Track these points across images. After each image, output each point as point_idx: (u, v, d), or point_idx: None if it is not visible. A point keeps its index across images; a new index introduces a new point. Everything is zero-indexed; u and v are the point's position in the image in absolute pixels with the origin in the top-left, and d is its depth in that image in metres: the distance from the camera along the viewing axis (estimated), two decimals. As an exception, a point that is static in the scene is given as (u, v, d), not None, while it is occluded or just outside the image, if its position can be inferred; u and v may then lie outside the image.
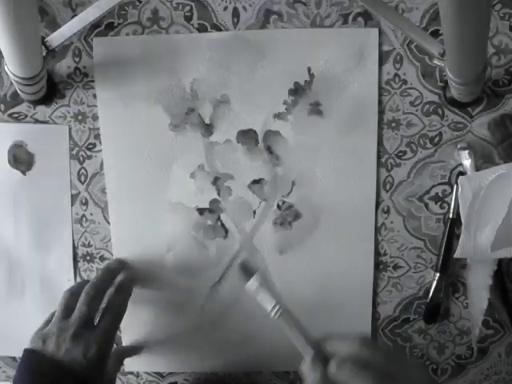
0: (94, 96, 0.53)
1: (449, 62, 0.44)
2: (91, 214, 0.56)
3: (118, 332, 0.57)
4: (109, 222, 0.55)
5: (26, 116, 0.54)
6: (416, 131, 0.52)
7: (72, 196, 0.55)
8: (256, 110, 0.52)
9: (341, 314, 0.54)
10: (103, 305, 0.49)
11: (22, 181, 0.55)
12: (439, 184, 0.52)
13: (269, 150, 0.53)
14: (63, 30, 0.48)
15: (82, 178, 0.55)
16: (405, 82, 0.51)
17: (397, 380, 0.34)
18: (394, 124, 0.52)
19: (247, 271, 0.39)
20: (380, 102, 0.51)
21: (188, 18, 0.52)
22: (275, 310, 0.36)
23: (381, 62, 0.51)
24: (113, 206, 0.55)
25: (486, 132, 0.51)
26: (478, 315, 0.53)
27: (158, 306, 0.56)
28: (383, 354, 0.37)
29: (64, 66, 0.53)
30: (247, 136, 0.53)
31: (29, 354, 0.46)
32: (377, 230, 0.53)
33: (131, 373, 0.59)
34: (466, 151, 0.50)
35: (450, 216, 0.52)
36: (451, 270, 0.53)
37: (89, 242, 0.56)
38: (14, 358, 0.59)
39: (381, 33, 0.50)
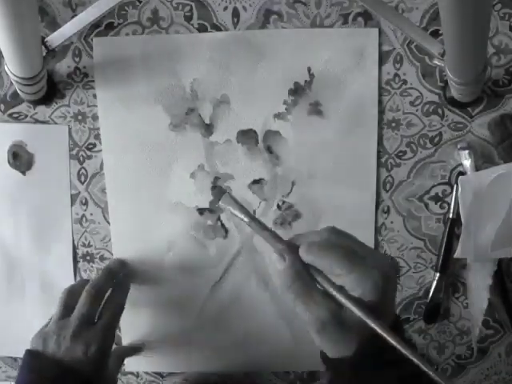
0: (94, 96, 0.53)
1: (449, 61, 0.44)
2: (91, 214, 0.56)
3: (118, 332, 0.57)
4: (109, 222, 0.55)
5: (26, 116, 0.54)
6: (416, 131, 0.52)
7: (72, 196, 0.55)
8: (256, 110, 0.52)
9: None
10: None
11: (21, 181, 0.55)
12: (439, 184, 0.52)
13: (269, 149, 0.53)
14: (63, 30, 0.48)
15: (82, 178, 0.55)
16: (405, 81, 0.51)
17: (364, 259, 0.34)
18: (394, 124, 0.52)
19: (220, 192, 0.44)
20: (380, 101, 0.51)
21: (188, 18, 0.52)
22: (247, 218, 0.38)
23: (381, 62, 0.51)
24: (113, 205, 0.55)
25: (486, 132, 0.51)
26: (477, 315, 0.53)
27: (158, 306, 0.56)
28: (351, 238, 0.38)
29: (64, 65, 0.53)
30: (247, 136, 0.53)
31: (29, 354, 0.46)
32: (377, 230, 0.53)
33: (131, 373, 0.59)
34: (466, 151, 0.50)
35: (450, 216, 0.52)
36: (451, 269, 0.53)
37: (89, 242, 0.56)
38: (14, 358, 0.59)
39: (381, 33, 0.50)
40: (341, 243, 0.36)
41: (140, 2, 0.52)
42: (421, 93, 0.51)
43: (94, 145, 0.54)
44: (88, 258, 0.56)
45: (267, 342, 0.56)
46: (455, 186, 0.51)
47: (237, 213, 0.39)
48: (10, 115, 0.54)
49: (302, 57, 0.51)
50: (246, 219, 0.38)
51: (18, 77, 0.47)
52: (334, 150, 0.52)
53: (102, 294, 0.49)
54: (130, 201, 0.54)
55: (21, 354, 0.59)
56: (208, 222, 0.54)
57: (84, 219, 0.56)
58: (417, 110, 0.51)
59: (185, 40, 0.52)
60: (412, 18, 0.50)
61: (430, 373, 0.31)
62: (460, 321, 0.55)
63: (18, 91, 0.51)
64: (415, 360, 0.32)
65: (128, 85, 0.53)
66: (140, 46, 0.52)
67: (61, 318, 0.47)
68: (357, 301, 0.33)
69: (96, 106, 0.53)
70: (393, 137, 0.52)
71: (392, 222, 0.53)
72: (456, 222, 0.52)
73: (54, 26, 0.51)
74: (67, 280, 0.56)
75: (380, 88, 0.51)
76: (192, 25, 0.52)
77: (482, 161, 0.51)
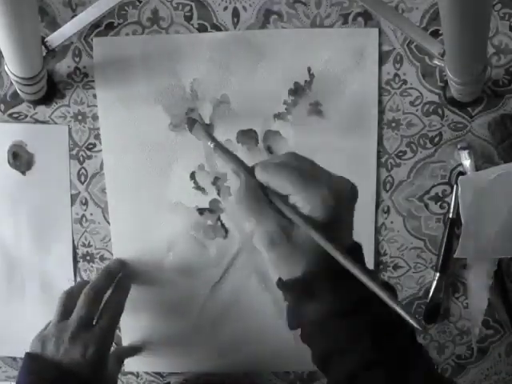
0: (94, 96, 0.53)
1: (449, 62, 0.44)
2: (91, 214, 0.56)
3: (118, 332, 0.57)
4: (109, 222, 0.55)
5: (26, 116, 0.54)
6: (416, 131, 0.52)
7: (72, 196, 0.55)
8: (256, 110, 0.52)
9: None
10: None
11: (21, 181, 0.55)
12: (439, 184, 0.52)
13: (269, 150, 0.53)
14: (63, 30, 0.48)
15: (82, 178, 0.55)
16: (405, 82, 0.51)
17: (317, 180, 0.35)
18: (394, 124, 0.52)
19: (191, 122, 0.44)
20: (380, 101, 0.51)
21: (188, 18, 0.52)
22: (212, 144, 0.41)
23: (381, 62, 0.51)
24: (113, 205, 0.55)
25: (486, 132, 0.51)
26: (477, 315, 0.53)
27: (158, 306, 0.56)
28: (310, 162, 0.38)
29: (64, 65, 0.53)
30: (247, 136, 0.53)
31: (28, 357, 0.46)
32: (377, 230, 0.53)
33: (131, 373, 0.59)
34: (466, 151, 0.50)
35: (450, 216, 0.52)
36: (451, 269, 0.53)
37: (89, 242, 0.56)
38: (14, 358, 0.59)
39: (381, 33, 0.50)
40: (297, 165, 0.36)
41: (140, 2, 0.52)
42: (421, 93, 0.51)
43: (94, 145, 0.54)
44: (88, 257, 0.56)
45: (267, 342, 0.56)
46: (455, 186, 0.51)
47: (204, 140, 0.41)
48: (10, 115, 0.54)
49: (301, 57, 0.51)
50: (211, 145, 0.40)
51: (18, 77, 0.47)
52: (334, 150, 0.52)
53: (100, 296, 0.49)
54: (130, 201, 0.54)
55: (21, 354, 0.59)
56: (208, 222, 0.54)
57: (84, 219, 0.56)
58: (417, 110, 0.51)
59: (185, 40, 0.52)
60: (412, 18, 0.50)
61: (386, 299, 0.31)
62: (460, 321, 0.55)
63: (18, 91, 0.51)
64: (370, 284, 0.32)
65: (128, 85, 0.53)
66: (140, 46, 0.52)
67: (59, 321, 0.47)
68: (308, 219, 0.33)
69: (96, 106, 0.53)
70: (393, 137, 0.52)
71: (392, 222, 0.53)
72: (456, 222, 0.52)
73: (54, 25, 0.51)
74: (67, 280, 0.56)
75: (380, 88, 0.51)
76: (192, 25, 0.52)
77: (482, 161, 0.51)
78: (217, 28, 0.52)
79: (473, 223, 0.49)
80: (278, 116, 0.52)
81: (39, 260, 0.56)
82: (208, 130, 0.42)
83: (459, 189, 0.50)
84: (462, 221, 0.50)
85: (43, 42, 0.48)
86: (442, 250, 0.52)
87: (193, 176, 0.54)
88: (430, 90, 0.51)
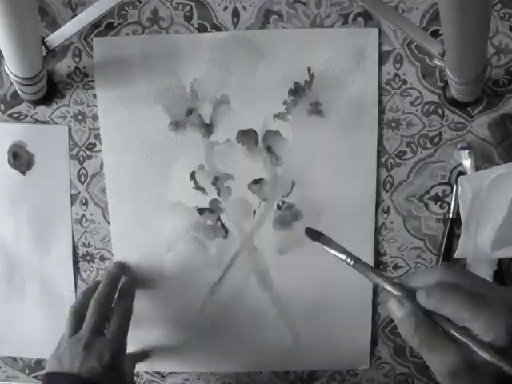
0: (94, 96, 0.53)
1: (449, 62, 0.44)
2: (91, 214, 0.56)
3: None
4: (109, 222, 0.55)
5: (26, 116, 0.54)
6: (416, 131, 0.52)
7: (72, 196, 0.55)
8: (256, 110, 0.52)
9: (341, 313, 0.54)
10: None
11: (21, 181, 0.55)
12: (439, 184, 0.52)
13: (269, 150, 0.53)
14: (63, 30, 0.48)
15: (82, 178, 0.55)
16: (405, 82, 0.51)
17: (487, 298, 0.32)
18: (394, 124, 0.52)
19: (313, 235, 0.43)
20: (380, 101, 0.51)
21: (188, 18, 0.52)
22: (348, 259, 0.38)
23: (381, 62, 0.51)
24: (113, 205, 0.55)
25: (486, 132, 0.51)
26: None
27: (157, 306, 0.56)
28: (470, 276, 0.34)
29: (64, 65, 0.53)
30: (247, 136, 0.53)
31: (47, 376, 0.46)
32: (377, 230, 0.53)
33: (131, 373, 0.59)
34: (466, 151, 0.50)
35: (450, 216, 0.52)
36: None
37: (89, 242, 0.56)
38: (14, 358, 0.59)
39: (381, 33, 0.50)
40: (460, 283, 0.33)
41: (140, 2, 0.52)
42: (421, 93, 0.51)
43: (94, 145, 0.54)
44: (88, 258, 0.56)
45: (267, 342, 0.56)
46: (455, 186, 0.51)
47: (338, 254, 0.39)
48: (10, 115, 0.54)
49: (301, 57, 0.51)
50: (350, 261, 0.38)
51: (18, 77, 0.47)
52: (334, 149, 0.52)
53: (108, 303, 0.49)
54: (130, 201, 0.54)
55: (21, 353, 0.59)
56: (208, 221, 0.54)
57: (84, 219, 0.56)
58: (417, 110, 0.51)
59: (185, 40, 0.52)
60: (412, 18, 0.50)
61: None
62: (460, 321, 0.55)
63: (18, 91, 0.51)
64: None
65: (128, 85, 0.53)
66: (140, 46, 0.52)
67: (71, 335, 0.47)
68: (487, 345, 0.30)
69: (96, 106, 0.53)
70: (393, 137, 0.52)
71: (392, 222, 0.53)
72: (456, 222, 0.52)
73: (54, 25, 0.51)
74: (67, 280, 0.56)
75: (380, 88, 0.51)
76: (192, 25, 0.52)
77: (482, 161, 0.51)
78: (217, 28, 0.52)
79: (473, 223, 0.49)
80: (277, 116, 0.52)
81: (39, 260, 0.56)
82: (341, 247, 0.40)
83: (459, 189, 0.50)
84: (462, 221, 0.50)
85: (43, 42, 0.48)
86: (442, 250, 0.52)
87: (193, 176, 0.54)
88: (430, 90, 0.51)
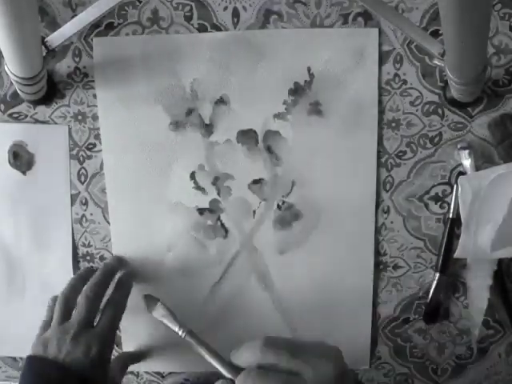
0: (94, 96, 0.53)
1: (449, 62, 0.44)
2: (91, 214, 0.56)
3: (118, 332, 0.57)
4: (109, 222, 0.55)
5: (26, 116, 0.54)
6: (416, 131, 0.52)
7: (72, 196, 0.55)
8: (256, 110, 0.52)
9: (341, 313, 0.54)
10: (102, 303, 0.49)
11: (21, 181, 0.55)
12: (439, 184, 0.52)
13: (269, 150, 0.53)
14: (63, 30, 0.48)
15: (82, 178, 0.55)
16: (405, 82, 0.51)
17: (304, 376, 0.34)
18: (394, 124, 0.52)
19: (151, 300, 0.47)
20: (380, 101, 0.51)
21: (188, 18, 0.52)
22: (181, 331, 0.43)
23: (381, 62, 0.51)
24: (113, 205, 0.55)
25: (486, 132, 0.51)
26: (478, 315, 0.53)
27: (158, 306, 0.56)
28: (286, 352, 0.36)
29: (64, 65, 0.53)
30: (247, 136, 0.53)
31: (31, 360, 0.46)
32: (377, 230, 0.53)
33: (131, 373, 0.59)
34: (466, 151, 0.50)
35: (450, 216, 0.52)
36: (451, 269, 0.53)
37: (89, 242, 0.56)
38: (14, 358, 0.59)
39: (381, 33, 0.50)
40: (277, 362, 0.35)
41: (140, 2, 0.52)
42: (421, 93, 0.51)
43: (94, 145, 0.54)
44: (88, 258, 0.56)
45: (267, 341, 0.56)
46: (455, 186, 0.51)
47: (170, 324, 0.42)
48: (10, 115, 0.55)
49: (301, 57, 0.51)
50: (180, 332, 0.41)
51: (18, 77, 0.47)
52: (334, 149, 0.52)
53: (100, 295, 0.49)
54: (130, 201, 0.54)
55: (21, 353, 0.59)
56: (208, 221, 0.54)
57: (84, 219, 0.56)
58: (417, 110, 0.51)
59: (185, 40, 0.52)
60: (412, 18, 0.50)
61: None
62: (460, 321, 0.55)
63: (18, 91, 0.51)
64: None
65: (128, 85, 0.53)
66: (140, 46, 0.52)
67: (60, 323, 0.47)
68: None
69: (96, 105, 0.53)
70: (393, 137, 0.52)
71: (392, 222, 0.53)
72: (456, 222, 0.52)
73: (54, 25, 0.51)
74: (67, 280, 0.56)
75: (380, 88, 0.51)
76: (192, 25, 0.52)
77: (482, 161, 0.51)
78: (217, 28, 0.52)
79: (473, 223, 0.49)
80: (277, 116, 0.52)
81: (39, 260, 0.56)
82: (174, 315, 0.44)
83: (459, 189, 0.50)
84: (462, 221, 0.50)
85: (43, 42, 0.48)
86: (442, 250, 0.52)
87: (193, 176, 0.54)
88: (430, 90, 0.51)
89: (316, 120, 0.52)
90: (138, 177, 0.54)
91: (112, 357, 0.50)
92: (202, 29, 0.52)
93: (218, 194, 0.54)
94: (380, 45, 0.51)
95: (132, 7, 0.52)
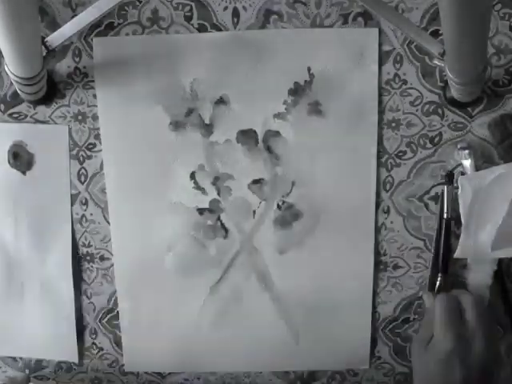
0: (94, 96, 0.53)
1: (449, 62, 0.44)
2: (91, 214, 0.56)
3: (118, 332, 0.57)
4: (109, 222, 0.55)
5: (26, 116, 0.54)
6: (416, 131, 0.52)
7: (72, 196, 0.55)
8: (256, 110, 0.52)
9: (341, 313, 0.54)
10: None
11: (22, 181, 0.55)
12: (439, 184, 0.52)
13: (269, 149, 0.53)
14: (63, 30, 0.48)
15: (82, 178, 0.55)
16: (405, 82, 0.51)
17: None
18: (394, 124, 0.52)
19: None
20: (380, 102, 0.51)
21: (188, 18, 0.52)
22: None
23: (381, 62, 0.51)
24: (113, 206, 0.55)
25: (486, 132, 0.51)
26: (478, 315, 0.53)
27: (157, 306, 0.56)
28: None
29: (64, 65, 0.53)
30: (247, 136, 0.53)
31: None
32: (377, 230, 0.53)
33: (131, 373, 0.59)
34: (466, 151, 0.50)
35: (444, 216, 0.51)
36: (451, 269, 0.53)
37: (89, 242, 0.56)
38: (14, 358, 0.59)
39: (381, 33, 0.50)
40: None
41: (140, 2, 0.52)
42: (421, 93, 0.51)
43: (94, 145, 0.54)
44: (88, 258, 0.56)
45: (267, 341, 0.56)
46: (445, 187, 0.51)
47: None
48: (10, 115, 0.55)
49: (301, 57, 0.51)
50: None
51: (18, 77, 0.47)
52: (334, 149, 0.52)
53: None
54: (129, 201, 0.54)
55: (21, 353, 0.59)
56: (208, 222, 0.54)
57: (84, 219, 0.56)
58: (417, 110, 0.51)
59: (185, 40, 0.52)
60: (412, 18, 0.50)
61: None
62: (460, 321, 0.55)
63: (18, 91, 0.51)
64: None
65: (128, 85, 0.53)
66: (140, 46, 0.52)
67: None
68: None
69: (96, 105, 0.53)
70: (393, 137, 0.52)
71: (392, 222, 0.53)
72: (450, 223, 0.52)
73: (54, 25, 0.51)
74: (67, 280, 0.56)
75: (380, 88, 0.51)
76: (192, 25, 0.52)
77: (482, 161, 0.51)
78: (217, 28, 0.52)
79: (473, 223, 0.49)
80: (277, 116, 0.52)
81: (39, 260, 0.56)
82: None
83: (459, 189, 0.50)
84: (462, 221, 0.50)
85: (43, 42, 0.48)
86: (441, 251, 0.52)
87: (193, 176, 0.54)
88: (430, 90, 0.51)
89: (316, 120, 0.52)
90: (137, 177, 0.54)
91: None
92: (202, 29, 0.52)
93: (218, 193, 0.54)
94: (380, 45, 0.51)
95: (132, 7, 0.52)
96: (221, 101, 0.52)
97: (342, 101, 0.51)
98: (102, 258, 0.56)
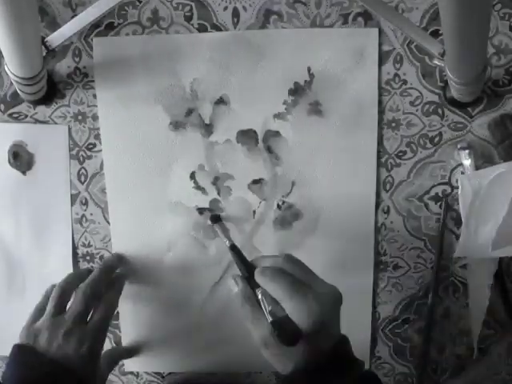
0: (94, 96, 0.53)
1: (449, 62, 0.44)
2: (91, 214, 0.56)
3: (118, 332, 0.57)
4: (109, 222, 0.55)
5: (26, 116, 0.54)
6: (416, 131, 0.52)
7: (72, 196, 0.55)
8: (256, 110, 0.52)
9: (341, 313, 0.54)
10: None
11: (21, 181, 0.55)
12: (439, 184, 0.52)
13: (269, 149, 0.53)
14: (63, 30, 0.48)
15: (82, 178, 0.55)
16: (405, 82, 0.51)
17: (307, 289, 0.40)
18: (393, 124, 0.52)
19: (214, 218, 0.53)
20: (380, 102, 0.51)
21: (188, 18, 0.52)
22: (226, 242, 0.48)
23: (381, 62, 0.51)
24: (113, 206, 0.55)
25: (486, 132, 0.51)
26: (478, 315, 0.53)
27: (158, 306, 0.56)
28: (303, 268, 0.43)
29: (64, 66, 0.53)
30: (247, 136, 0.53)
31: (19, 349, 0.46)
32: (377, 230, 0.53)
33: (131, 373, 0.59)
34: (466, 151, 0.51)
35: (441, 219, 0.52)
36: (451, 269, 0.53)
37: (89, 242, 0.56)
38: (14, 358, 0.59)
39: (381, 33, 0.50)
40: (292, 271, 0.41)
41: (140, 2, 0.52)
42: (421, 93, 0.51)
43: (94, 145, 0.54)
44: (88, 257, 0.56)
45: (267, 341, 0.56)
46: (443, 204, 0.52)
47: (224, 238, 0.49)
48: (10, 115, 0.55)
49: (301, 57, 0.51)
50: (227, 243, 0.48)
51: (18, 77, 0.47)
52: (334, 149, 0.52)
53: (98, 293, 0.49)
54: (129, 201, 0.54)
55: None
56: (208, 221, 0.54)
57: (84, 219, 0.56)
58: (417, 110, 0.51)
59: (185, 40, 0.52)
60: (412, 18, 0.50)
61: None
62: (460, 321, 0.55)
63: (18, 91, 0.51)
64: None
65: (128, 85, 0.53)
66: (140, 46, 0.52)
67: (54, 316, 0.47)
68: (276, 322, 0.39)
69: (96, 105, 0.53)
70: (393, 137, 0.52)
71: (392, 222, 0.53)
72: (446, 226, 0.52)
73: (54, 25, 0.51)
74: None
75: (380, 88, 0.51)
76: (192, 25, 0.52)
77: (482, 161, 0.51)
78: (217, 28, 0.52)
79: (473, 222, 0.49)
80: (277, 116, 0.52)
81: (39, 260, 0.56)
82: (227, 231, 0.51)
83: (459, 188, 0.50)
84: (462, 220, 0.50)
85: (43, 42, 0.48)
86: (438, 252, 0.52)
87: (193, 176, 0.54)
88: (430, 90, 0.51)
89: (316, 120, 0.52)
90: (137, 177, 0.54)
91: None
92: (201, 29, 0.52)
93: (218, 193, 0.54)
94: (380, 45, 0.51)
95: (132, 7, 0.52)
96: (221, 101, 0.52)
97: (342, 101, 0.51)
98: (102, 258, 0.56)
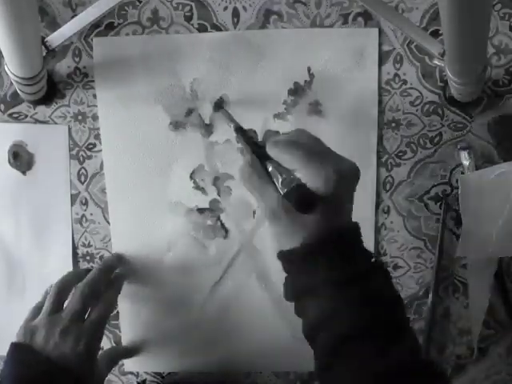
0: (94, 96, 0.53)
1: (449, 62, 0.44)
2: (91, 214, 0.56)
3: (118, 332, 0.57)
4: (109, 222, 0.55)
5: (26, 116, 0.54)
6: (416, 131, 0.52)
7: (72, 196, 0.55)
8: (256, 110, 0.52)
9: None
10: None
11: (21, 181, 0.55)
12: (439, 184, 0.52)
13: (269, 149, 0.53)
14: (63, 30, 0.48)
15: (82, 178, 0.55)
16: (405, 82, 0.51)
17: (323, 158, 0.37)
18: (394, 124, 0.52)
19: (217, 105, 0.52)
20: (380, 102, 0.51)
21: (188, 18, 0.52)
22: (232, 125, 0.46)
23: (381, 62, 0.51)
24: (113, 206, 0.55)
25: (485, 132, 0.51)
26: (478, 315, 0.53)
27: (157, 306, 0.56)
28: (317, 141, 0.40)
29: (64, 65, 0.53)
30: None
31: (16, 347, 0.46)
32: (377, 230, 0.53)
33: (131, 373, 0.59)
34: (466, 151, 0.51)
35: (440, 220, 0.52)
36: (451, 269, 0.53)
37: (89, 242, 0.56)
38: (14, 358, 0.59)
39: (381, 33, 0.50)
40: (306, 143, 0.39)
41: (140, 2, 0.52)
42: (421, 93, 0.51)
43: (94, 145, 0.54)
44: (88, 258, 0.56)
45: (267, 341, 0.56)
46: (443, 204, 0.52)
47: (227, 121, 0.47)
48: (10, 115, 0.54)
49: (302, 57, 0.51)
50: (232, 126, 0.45)
51: (18, 77, 0.47)
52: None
53: (96, 293, 0.49)
54: (129, 201, 0.54)
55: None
56: (208, 222, 0.54)
57: (84, 219, 0.56)
58: (417, 110, 0.51)
59: (185, 40, 0.52)
60: (412, 18, 0.50)
61: None
62: (460, 321, 0.55)
63: (18, 91, 0.51)
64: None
65: (128, 85, 0.53)
66: (140, 46, 0.52)
67: (51, 314, 0.47)
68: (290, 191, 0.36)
69: (96, 105, 0.53)
70: (393, 137, 0.52)
71: (392, 222, 0.53)
72: (446, 226, 0.52)
73: (54, 25, 0.51)
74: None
75: (380, 88, 0.51)
76: (192, 25, 0.52)
77: (482, 161, 0.51)
78: (217, 28, 0.52)
79: (473, 223, 0.49)
80: (277, 116, 0.52)
81: (39, 260, 0.56)
82: (231, 115, 0.47)
83: (459, 188, 0.50)
84: (462, 220, 0.50)
85: (43, 42, 0.48)
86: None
87: (193, 176, 0.54)
88: (430, 90, 0.51)
89: (316, 120, 0.52)
90: (137, 177, 0.54)
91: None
92: (201, 29, 0.52)
93: (218, 194, 0.54)
94: (380, 45, 0.51)
95: (132, 7, 0.52)
96: (221, 101, 0.52)
97: (342, 101, 0.51)
98: (102, 258, 0.56)
